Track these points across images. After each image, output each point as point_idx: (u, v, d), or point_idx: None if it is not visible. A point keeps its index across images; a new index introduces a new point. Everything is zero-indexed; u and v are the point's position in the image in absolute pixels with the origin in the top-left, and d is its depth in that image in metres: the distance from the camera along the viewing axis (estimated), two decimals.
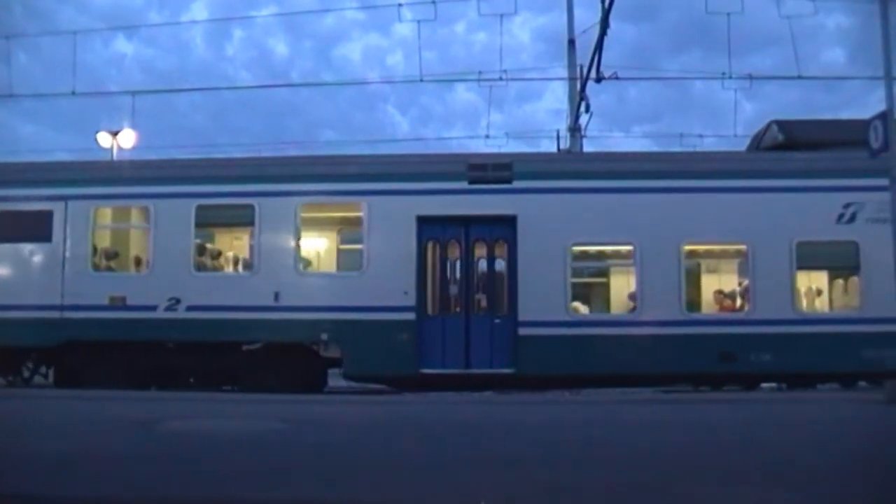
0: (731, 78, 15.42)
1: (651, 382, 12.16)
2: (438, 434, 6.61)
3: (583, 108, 16.80)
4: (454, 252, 12.48)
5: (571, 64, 17.31)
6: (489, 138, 18.71)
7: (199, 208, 12.52)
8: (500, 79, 16.26)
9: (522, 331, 11.96)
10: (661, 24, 53.43)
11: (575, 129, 16.92)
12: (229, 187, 12.66)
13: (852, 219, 12.10)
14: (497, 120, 60.85)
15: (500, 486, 4.17)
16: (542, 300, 12.07)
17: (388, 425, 7.34)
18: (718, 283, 13.24)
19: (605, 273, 13.30)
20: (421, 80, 17.02)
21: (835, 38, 48.36)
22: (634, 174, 12.53)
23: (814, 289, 12.99)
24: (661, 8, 46.75)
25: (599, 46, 15.52)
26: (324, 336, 12.14)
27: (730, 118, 16.56)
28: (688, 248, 12.39)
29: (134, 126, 25.00)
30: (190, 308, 12.15)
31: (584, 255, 12.93)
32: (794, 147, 12.89)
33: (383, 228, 12.35)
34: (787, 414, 8.20)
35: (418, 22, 15.77)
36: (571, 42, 17.35)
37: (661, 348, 11.84)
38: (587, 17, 17.01)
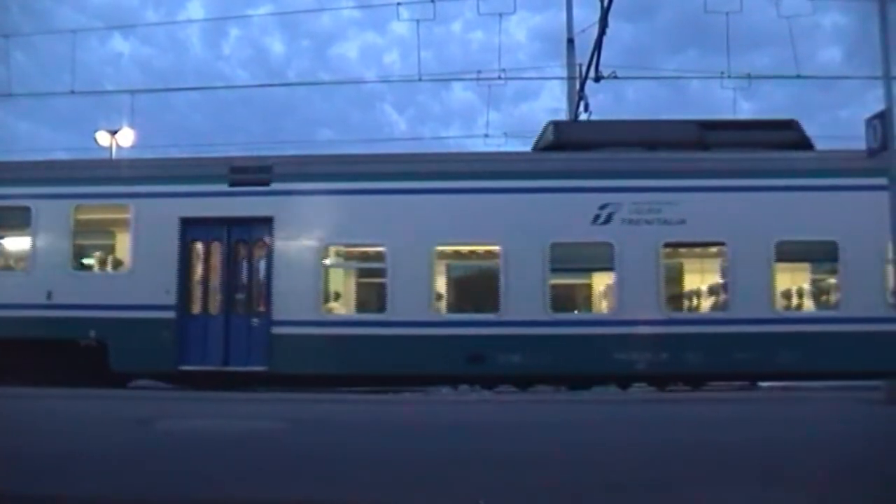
0: (729, 77, 15.45)
1: (403, 383, 12.33)
2: (438, 434, 6.61)
3: (581, 108, 16.83)
4: (216, 253, 12.83)
5: (570, 63, 17.33)
6: (488, 137, 18.77)
7: None
8: (499, 78, 16.31)
9: (276, 330, 12.27)
10: (658, 24, 53.57)
11: None
12: (7, 189, 13.12)
13: (608, 220, 12.21)
14: (494, 119, 60.90)
15: (500, 485, 4.17)
16: (296, 300, 12.39)
17: (387, 425, 7.35)
18: (471, 284, 13.37)
19: (357, 274, 13.53)
20: (420, 80, 17.06)
21: (831, 37, 48.52)
22: (389, 176, 12.74)
23: (567, 290, 13.12)
24: (657, 7, 46.86)
25: (598, 45, 15.55)
26: (92, 333, 12.44)
27: (726, 116, 16.58)
28: (440, 248, 12.57)
29: (132, 125, 25.06)
30: None
31: (338, 256, 13.22)
32: (564, 147, 13.05)
33: (149, 230, 12.77)
34: (786, 413, 8.22)
35: (417, 21, 15.78)
36: (570, 41, 17.36)
37: (410, 349, 12.01)
38: (585, 16, 17.07)
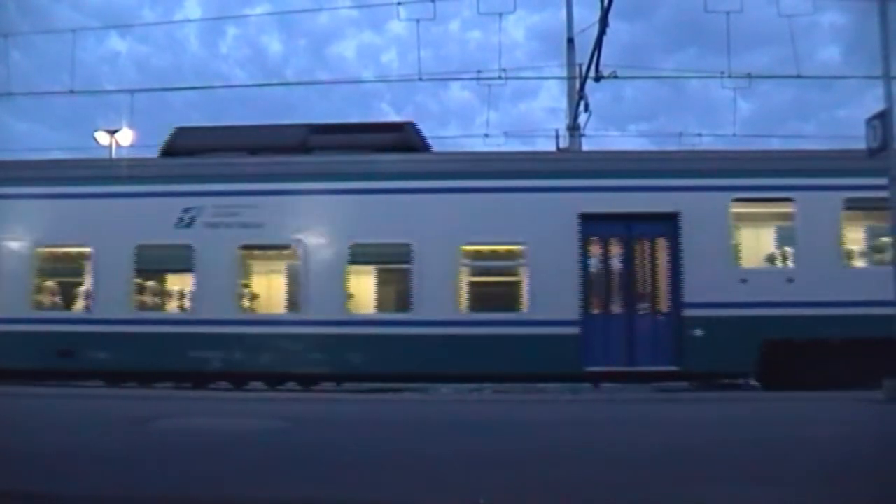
0: (729, 77, 15.41)
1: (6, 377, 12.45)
2: (437, 433, 6.60)
3: (581, 107, 16.78)
4: None
5: (570, 63, 17.26)
6: (488, 137, 18.72)
7: None
8: (499, 77, 16.23)
9: None
10: (656, 23, 53.53)
11: (574, 128, 16.89)
12: None
13: (190, 223, 12.63)
14: (492, 118, 60.83)
15: (499, 484, 4.17)
16: None
17: (387, 424, 7.34)
18: (65, 283, 13.58)
19: None
20: (420, 79, 17.01)
21: (829, 36, 48.51)
22: (5, 181, 13.17)
23: (152, 290, 13.50)
24: (655, 7, 46.86)
25: (598, 45, 15.47)
26: None
27: (724, 116, 16.64)
28: (40, 250, 13.06)
29: (131, 125, 25.01)
30: None
31: None
32: (179, 152, 13.46)
33: None
34: (785, 413, 8.21)
35: (417, 21, 15.71)
36: (570, 41, 17.29)
37: (7, 344, 12.40)
38: (583, 16, 17.00)
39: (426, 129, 14.01)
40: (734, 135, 16.44)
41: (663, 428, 6.89)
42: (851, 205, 12.12)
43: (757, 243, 12.95)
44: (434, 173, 12.89)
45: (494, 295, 12.88)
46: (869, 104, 10.96)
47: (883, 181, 11.59)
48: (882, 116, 9.16)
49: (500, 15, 16.31)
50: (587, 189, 12.43)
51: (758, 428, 6.71)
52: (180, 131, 13.81)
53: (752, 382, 12.55)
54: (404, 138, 13.39)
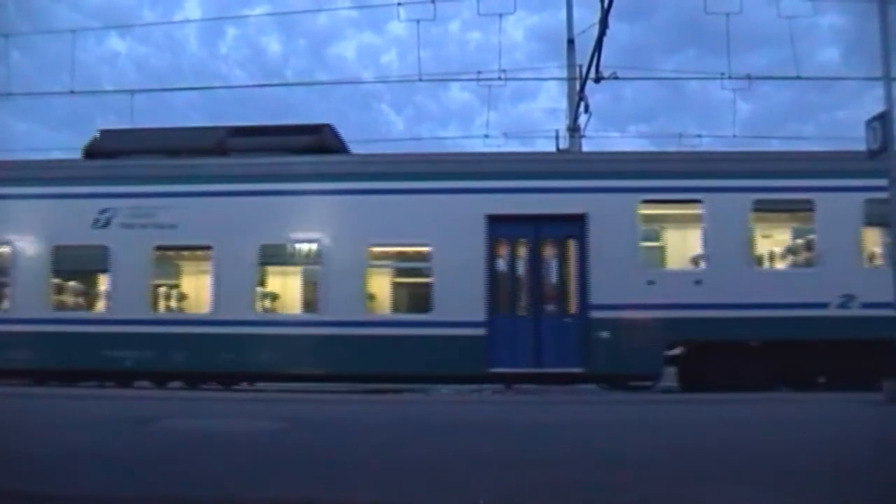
0: (729, 78, 15.44)
1: None
2: (437, 434, 6.59)
3: (581, 108, 16.79)
4: None
5: (570, 63, 17.28)
6: (488, 138, 18.78)
7: None
8: (499, 78, 16.26)
9: None
10: (656, 24, 53.59)
11: (574, 129, 16.91)
12: None
13: (106, 224, 12.88)
14: (492, 119, 60.96)
15: (499, 486, 4.16)
16: None
17: (388, 425, 7.33)
18: None
19: None
20: (420, 80, 17.04)
21: (829, 38, 48.55)
22: None
23: (71, 290, 13.74)
24: (654, 7, 46.87)
25: (598, 46, 15.50)
26: None
27: (723, 118, 16.69)
28: None
29: (130, 125, 25.00)
30: None
31: None
32: (100, 154, 13.70)
33: None
34: (786, 414, 8.21)
35: (417, 21, 15.74)
36: (570, 41, 17.32)
37: None
38: (583, 17, 17.05)
39: (426, 130, 14.11)
40: (734, 136, 16.53)
41: (662, 429, 6.89)
42: (760, 206, 12.13)
43: (665, 245, 13.06)
44: (343, 175, 12.98)
45: (401, 296, 13.06)
46: (868, 105, 11.03)
47: (791, 183, 11.96)
48: (882, 118, 9.17)
49: (500, 16, 16.41)
50: (494, 191, 12.49)
51: (757, 429, 6.71)
52: (103, 133, 14.01)
53: (671, 384, 12.57)
54: (321, 140, 13.50)
